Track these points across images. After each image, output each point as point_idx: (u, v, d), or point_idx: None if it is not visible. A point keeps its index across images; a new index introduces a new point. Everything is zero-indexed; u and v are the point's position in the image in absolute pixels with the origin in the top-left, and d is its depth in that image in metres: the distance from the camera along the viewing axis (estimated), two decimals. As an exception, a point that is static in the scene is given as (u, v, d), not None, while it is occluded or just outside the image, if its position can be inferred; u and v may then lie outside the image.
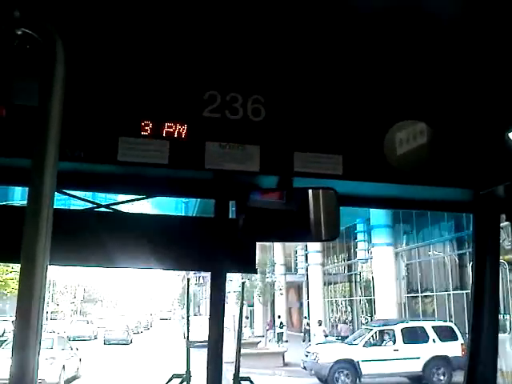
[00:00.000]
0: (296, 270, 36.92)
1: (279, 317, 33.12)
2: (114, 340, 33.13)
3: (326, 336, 26.39)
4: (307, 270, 34.51)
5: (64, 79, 0.92)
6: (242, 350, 2.39)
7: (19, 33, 0.96)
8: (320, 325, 28.23)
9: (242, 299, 2.46)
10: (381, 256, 25.23)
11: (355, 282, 32.76)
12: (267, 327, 33.48)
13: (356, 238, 28.03)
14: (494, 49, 1.79)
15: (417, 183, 2.09)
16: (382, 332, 18.30)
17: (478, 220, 2.37)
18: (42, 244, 0.84)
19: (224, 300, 2.08)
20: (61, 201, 2.19)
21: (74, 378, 18.01)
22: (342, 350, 17.87)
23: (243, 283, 3.10)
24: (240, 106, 1.97)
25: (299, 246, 34.05)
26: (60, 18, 1.25)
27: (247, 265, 2.11)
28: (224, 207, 2.08)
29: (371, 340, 17.97)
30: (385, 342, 17.88)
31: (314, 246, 32.11)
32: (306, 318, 34.84)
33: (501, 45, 1.76)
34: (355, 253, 29.57)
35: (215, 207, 2.09)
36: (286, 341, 31.71)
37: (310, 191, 1.94)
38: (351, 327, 29.52)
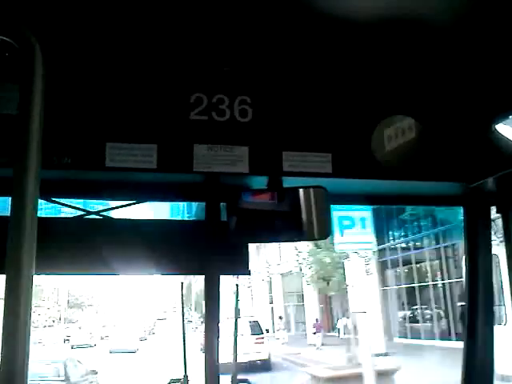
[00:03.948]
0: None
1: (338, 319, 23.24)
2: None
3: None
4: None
5: (43, 85, 0.90)
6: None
7: None
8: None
9: (237, 299, 2.43)
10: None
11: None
12: (314, 330, 24.17)
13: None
14: (479, 44, 1.79)
15: (406, 178, 2.09)
16: None
17: (469, 213, 2.37)
18: (26, 253, 0.83)
19: (219, 303, 2.06)
20: (50, 209, 2.17)
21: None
22: None
23: (237, 285, 3.01)
24: (227, 108, 1.96)
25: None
26: (40, 24, 1.23)
27: (241, 266, 2.10)
28: (215, 210, 2.07)
29: None
30: None
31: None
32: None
33: (487, 41, 1.76)
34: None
35: (206, 210, 2.07)
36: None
37: (301, 190, 1.94)
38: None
